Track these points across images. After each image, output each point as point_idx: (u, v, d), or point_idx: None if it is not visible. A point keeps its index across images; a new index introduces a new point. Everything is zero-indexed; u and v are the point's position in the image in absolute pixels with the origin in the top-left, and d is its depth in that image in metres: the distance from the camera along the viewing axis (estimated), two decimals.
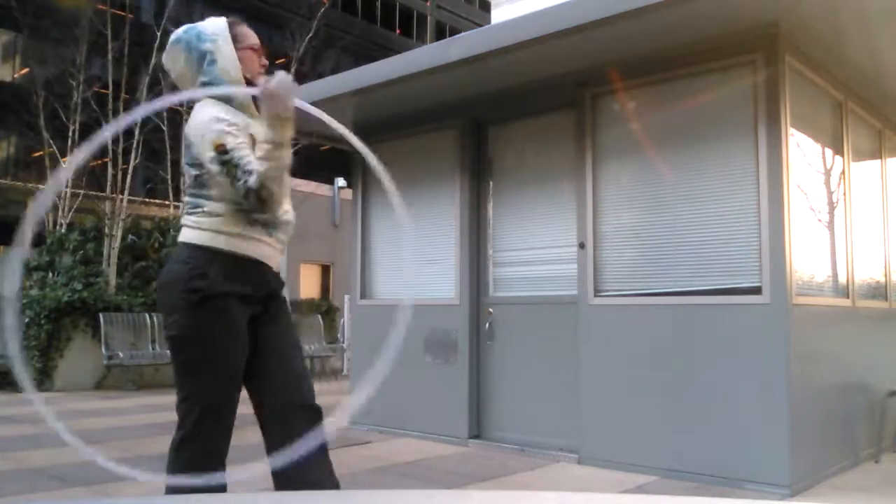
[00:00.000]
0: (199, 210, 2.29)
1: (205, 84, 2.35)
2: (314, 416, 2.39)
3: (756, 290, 4.16)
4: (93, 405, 7.80)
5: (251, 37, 2.47)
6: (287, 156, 2.23)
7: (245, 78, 2.37)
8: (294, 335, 2.49)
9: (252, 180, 2.15)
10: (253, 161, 2.18)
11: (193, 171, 2.31)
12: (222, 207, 2.27)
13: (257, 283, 2.32)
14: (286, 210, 2.38)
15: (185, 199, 2.36)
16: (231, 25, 2.45)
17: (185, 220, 2.33)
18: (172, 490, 2.30)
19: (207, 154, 2.22)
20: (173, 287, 2.26)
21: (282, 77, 2.22)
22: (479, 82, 5.28)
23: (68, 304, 9.21)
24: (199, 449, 2.37)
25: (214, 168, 2.21)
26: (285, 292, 2.48)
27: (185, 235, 2.30)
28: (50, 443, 5.47)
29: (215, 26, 2.43)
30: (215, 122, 2.23)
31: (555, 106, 5.18)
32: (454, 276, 5.55)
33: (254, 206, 2.21)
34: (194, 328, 2.24)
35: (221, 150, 2.20)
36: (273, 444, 2.39)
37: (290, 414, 2.42)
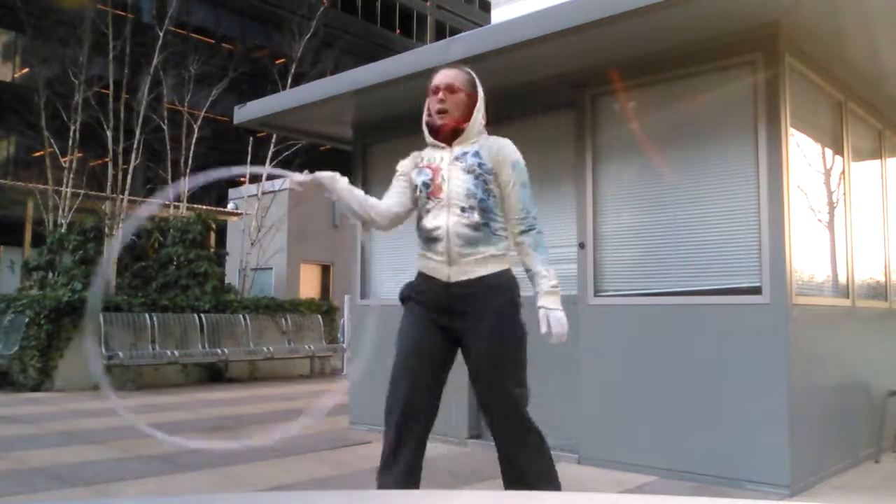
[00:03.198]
0: None
1: None
2: (511, 442, 2.66)
3: (756, 290, 4.16)
4: (93, 405, 7.79)
5: (434, 80, 2.80)
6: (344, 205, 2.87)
7: (427, 120, 2.82)
8: (482, 352, 2.66)
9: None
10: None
11: None
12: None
13: (430, 292, 2.68)
14: (436, 226, 2.66)
15: None
16: (434, 73, 2.86)
17: None
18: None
19: None
20: None
21: (298, 180, 2.80)
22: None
23: (68, 304, 9.20)
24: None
25: None
26: (485, 307, 2.66)
27: None
28: (50, 443, 5.47)
29: None
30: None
31: (555, 106, 5.18)
32: None
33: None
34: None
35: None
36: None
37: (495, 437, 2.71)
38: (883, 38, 4.43)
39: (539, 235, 2.74)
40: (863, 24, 4.24)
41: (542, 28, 4.29)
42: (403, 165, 2.84)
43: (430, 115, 2.78)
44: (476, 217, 2.63)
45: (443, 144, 2.75)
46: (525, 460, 2.62)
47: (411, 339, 2.66)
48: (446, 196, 2.65)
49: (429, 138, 2.79)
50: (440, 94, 2.73)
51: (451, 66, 2.84)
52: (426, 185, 2.70)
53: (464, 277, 2.61)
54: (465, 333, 2.63)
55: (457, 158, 2.71)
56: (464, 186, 2.65)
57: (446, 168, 2.69)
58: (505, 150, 2.75)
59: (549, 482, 2.63)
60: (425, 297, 2.68)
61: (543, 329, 2.64)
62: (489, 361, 2.61)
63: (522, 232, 2.71)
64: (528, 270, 2.71)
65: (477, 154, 2.70)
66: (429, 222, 2.67)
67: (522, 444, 2.61)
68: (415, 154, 2.84)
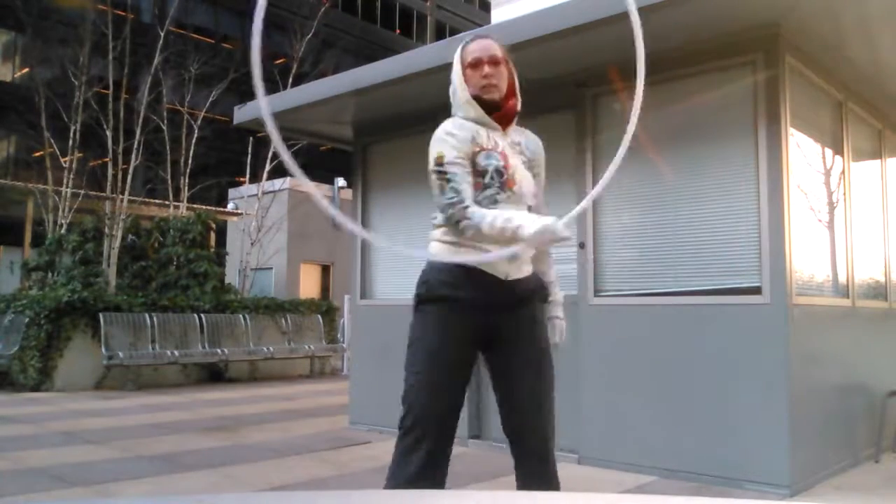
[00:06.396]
0: (434, 220, 2.44)
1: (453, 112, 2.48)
2: (534, 455, 2.53)
3: (756, 290, 4.16)
4: (92, 405, 7.80)
5: (473, 52, 2.45)
6: (513, 249, 2.21)
7: (474, 95, 2.41)
8: (533, 360, 2.47)
9: (466, 224, 2.23)
10: (471, 206, 2.24)
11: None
12: (444, 217, 2.35)
13: (478, 290, 2.32)
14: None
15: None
16: (465, 45, 2.50)
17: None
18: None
19: (430, 165, 2.34)
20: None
21: (552, 229, 2.12)
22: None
23: (68, 304, 9.20)
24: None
25: (432, 178, 2.32)
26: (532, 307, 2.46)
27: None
28: (50, 443, 5.47)
29: (457, 51, 2.51)
30: (444, 134, 2.35)
31: (555, 106, 5.18)
32: None
33: (454, 230, 2.30)
34: (413, 327, 2.39)
35: (439, 162, 2.31)
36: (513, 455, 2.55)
37: (515, 443, 2.56)
38: (883, 38, 4.43)
39: None
40: (863, 24, 4.24)
41: (542, 28, 4.29)
42: (458, 141, 2.33)
43: (471, 88, 2.42)
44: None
45: (497, 125, 2.42)
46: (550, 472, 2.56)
47: (449, 348, 2.35)
48: (518, 190, 2.37)
49: (481, 114, 2.40)
50: (486, 68, 2.40)
51: (483, 37, 2.52)
52: (499, 173, 2.34)
53: (519, 276, 2.38)
54: (508, 334, 2.40)
55: (515, 147, 2.45)
56: (529, 183, 2.43)
57: (510, 156, 2.39)
58: (541, 147, 2.57)
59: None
60: (469, 293, 2.31)
61: (556, 339, 2.58)
62: (533, 373, 2.50)
63: None
64: (541, 275, 2.54)
65: (526, 147, 2.48)
66: None
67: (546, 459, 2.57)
68: (462, 126, 2.37)
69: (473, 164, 2.33)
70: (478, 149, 2.35)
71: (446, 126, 2.38)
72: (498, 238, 2.19)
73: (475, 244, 2.31)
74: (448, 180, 2.27)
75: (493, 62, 2.43)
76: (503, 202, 2.32)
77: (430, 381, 2.35)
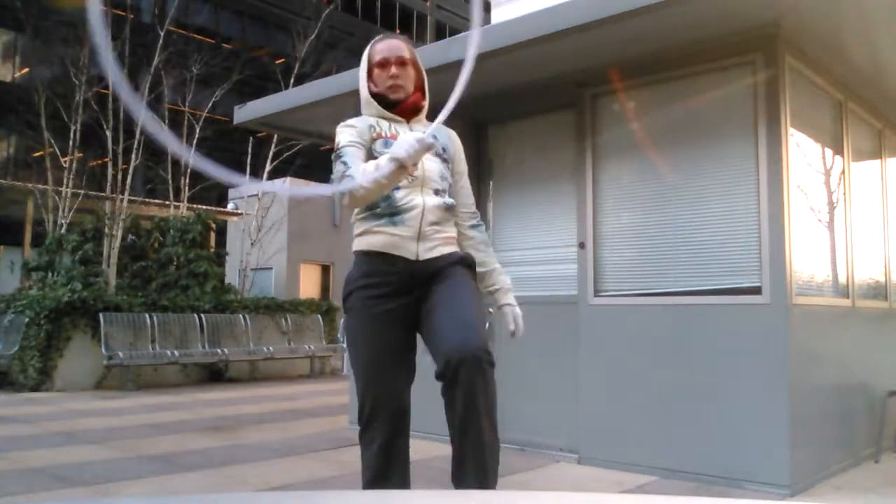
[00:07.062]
0: (352, 221, 2.50)
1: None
2: (473, 365, 2.18)
3: (756, 290, 4.16)
4: (92, 405, 7.80)
5: (380, 52, 2.56)
6: (390, 185, 2.28)
7: (380, 94, 2.52)
8: (463, 292, 2.37)
9: (342, 188, 2.28)
10: (354, 171, 2.29)
11: None
12: (354, 213, 2.46)
13: (389, 273, 2.38)
14: (411, 200, 2.41)
15: None
16: (373, 45, 2.61)
17: None
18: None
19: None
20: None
21: (407, 143, 2.16)
22: (479, 82, 5.25)
23: (68, 304, 9.20)
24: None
25: (333, 167, 2.40)
26: (456, 269, 2.42)
27: None
28: (50, 443, 5.47)
29: (365, 50, 2.61)
30: (342, 126, 2.47)
31: (555, 106, 5.18)
32: None
33: (344, 204, 2.35)
34: (345, 329, 2.49)
35: (336, 148, 2.42)
36: (445, 394, 2.25)
37: (448, 362, 2.21)
38: (883, 38, 4.43)
39: (486, 232, 2.65)
40: (863, 24, 4.24)
41: (542, 28, 4.29)
42: (357, 131, 2.44)
43: (377, 87, 2.54)
44: (449, 200, 2.50)
45: (400, 119, 2.54)
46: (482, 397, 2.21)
47: (378, 336, 2.38)
48: (421, 175, 2.43)
49: (381, 110, 2.53)
50: (392, 69, 2.52)
51: (390, 37, 2.63)
52: None
53: (432, 255, 2.41)
54: (426, 293, 2.38)
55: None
56: (436, 169, 2.49)
57: None
58: (456, 139, 2.66)
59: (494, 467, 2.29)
60: (386, 278, 2.37)
61: (511, 327, 2.54)
62: (454, 294, 2.35)
63: (474, 226, 2.60)
64: (479, 265, 2.56)
65: (435, 137, 2.42)
66: (401, 196, 2.40)
67: (483, 378, 2.21)
68: (363, 119, 2.50)
69: (371, 150, 2.42)
70: (376, 136, 2.46)
71: (348, 119, 2.51)
72: (378, 181, 2.20)
73: (382, 229, 2.39)
74: (341, 159, 2.37)
75: (400, 62, 2.54)
76: (403, 186, 2.40)
77: (371, 375, 2.41)
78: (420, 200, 2.42)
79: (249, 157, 16.54)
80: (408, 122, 2.55)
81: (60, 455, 4.97)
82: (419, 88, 2.61)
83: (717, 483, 4.12)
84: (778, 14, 4.06)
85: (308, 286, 19.06)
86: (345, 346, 11.42)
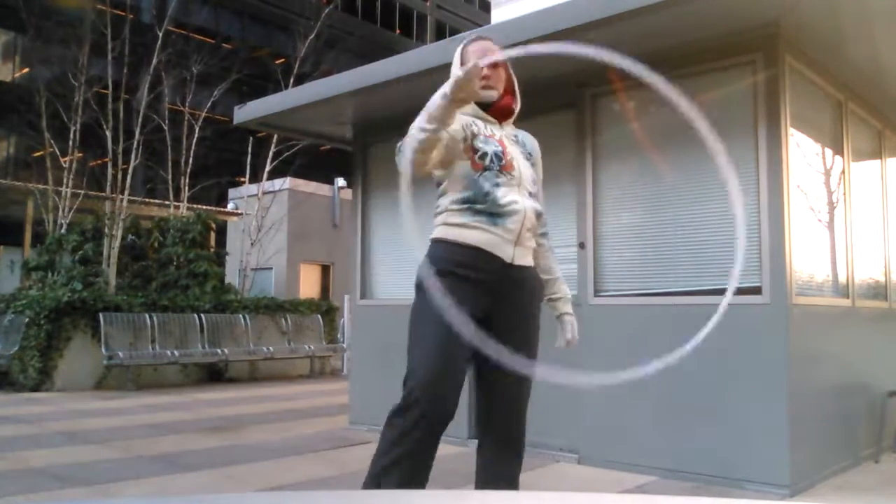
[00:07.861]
0: (436, 209, 2.49)
1: None
2: (517, 459, 2.53)
3: (756, 290, 4.16)
4: (92, 405, 7.80)
5: (472, 54, 2.53)
6: (444, 117, 2.21)
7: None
8: (528, 371, 2.42)
9: (408, 137, 2.20)
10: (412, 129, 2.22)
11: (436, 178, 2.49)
12: (447, 202, 2.43)
13: (484, 271, 2.36)
14: (514, 200, 2.38)
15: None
16: (465, 45, 2.60)
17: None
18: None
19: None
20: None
21: (466, 69, 2.15)
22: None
23: (68, 304, 9.20)
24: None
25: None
26: (527, 296, 2.47)
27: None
28: (50, 443, 5.47)
29: (457, 50, 2.59)
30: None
31: (555, 106, 5.18)
32: None
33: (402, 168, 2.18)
34: (416, 306, 2.39)
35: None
36: (478, 463, 2.59)
37: (487, 444, 2.56)
38: (883, 38, 4.43)
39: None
40: (863, 24, 4.24)
41: (542, 28, 4.29)
42: (458, 120, 2.37)
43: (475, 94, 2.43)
44: (539, 206, 2.48)
45: (494, 119, 2.53)
46: (515, 469, 2.55)
47: (456, 314, 2.17)
48: (518, 175, 2.43)
49: (476, 109, 2.51)
50: (484, 70, 2.42)
51: (483, 39, 2.63)
52: (498, 157, 2.41)
53: (524, 263, 2.43)
54: (501, 322, 2.38)
55: (513, 139, 2.54)
56: (529, 171, 2.49)
57: (508, 145, 2.48)
58: (538, 147, 2.65)
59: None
60: (481, 274, 2.34)
61: (568, 336, 2.58)
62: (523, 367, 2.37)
63: (544, 234, 2.59)
64: (543, 272, 2.57)
65: (524, 143, 2.56)
66: (502, 195, 2.36)
67: (519, 454, 2.56)
68: (461, 117, 2.43)
69: (473, 147, 2.40)
70: (476, 132, 2.43)
71: None
72: (431, 121, 2.17)
73: (481, 225, 2.35)
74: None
75: (493, 64, 2.49)
76: (503, 184, 2.38)
77: (436, 348, 2.29)
78: (522, 205, 2.40)
79: (249, 157, 16.55)
80: (500, 123, 2.54)
81: (60, 455, 4.97)
82: (510, 92, 2.60)
83: (717, 483, 4.12)
84: (778, 14, 4.07)
85: (308, 286, 19.06)
86: (345, 346, 11.44)
